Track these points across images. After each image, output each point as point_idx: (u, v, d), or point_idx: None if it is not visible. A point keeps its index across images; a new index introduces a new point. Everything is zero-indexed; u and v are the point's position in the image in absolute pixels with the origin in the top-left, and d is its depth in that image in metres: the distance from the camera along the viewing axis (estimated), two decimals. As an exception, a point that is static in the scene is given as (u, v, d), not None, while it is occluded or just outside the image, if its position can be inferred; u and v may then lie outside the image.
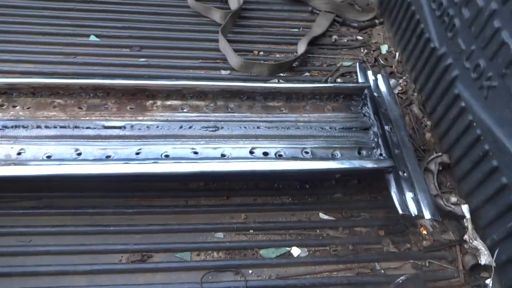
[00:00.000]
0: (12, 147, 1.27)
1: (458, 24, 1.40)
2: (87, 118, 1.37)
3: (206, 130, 1.38)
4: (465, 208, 1.34)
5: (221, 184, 1.41)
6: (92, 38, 1.80)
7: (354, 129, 1.44)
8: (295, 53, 1.85)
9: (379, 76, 1.61)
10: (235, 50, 1.75)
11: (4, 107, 1.37)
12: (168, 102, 1.45)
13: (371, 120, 1.44)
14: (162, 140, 1.34)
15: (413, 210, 1.24)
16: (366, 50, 1.93)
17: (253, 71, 1.74)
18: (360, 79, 1.59)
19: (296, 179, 1.44)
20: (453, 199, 1.37)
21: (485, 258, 1.24)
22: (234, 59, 1.74)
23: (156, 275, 1.20)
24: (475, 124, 1.31)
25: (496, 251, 1.22)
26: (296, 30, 2.00)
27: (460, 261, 1.30)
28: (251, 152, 1.34)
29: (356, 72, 1.65)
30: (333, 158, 1.36)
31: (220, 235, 1.30)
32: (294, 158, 1.34)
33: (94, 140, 1.32)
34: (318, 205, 1.40)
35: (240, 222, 1.33)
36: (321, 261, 1.27)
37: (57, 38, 1.78)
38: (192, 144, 1.34)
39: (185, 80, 1.62)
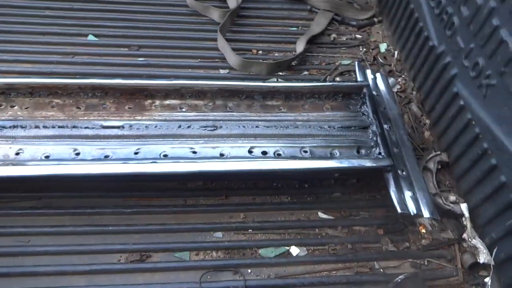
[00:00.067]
0: (10, 147, 1.27)
1: (457, 22, 1.40)
2: (86, 118, 1.37)
3: (205, 129, 1.38)
4: (464, 207, 1.34)
5: (220, 183, 1.41)
6: (91, 37, 1.80)
7: (353, 128, 1.43)
8: (293, 52, 1.84)
9: (378, 75, 1.61)
10: (234, 49, 1.75)
11: (2, 107, 1.37)
12: (167, 102, 1.45)
13: (370, 119, 1.44)
14: (161, 139, 1.34)
15: (412, 209, 1.23)
16: (365, 49, 1.93)
17: (252, 70, 1.73)
18: (359, 78, 1.59)
19: (295, 178, 1.44)
20: (452, 197, 1.37)
21: (484, 257, 1.24)
22: (232, 58, 1.74)
23: (155, 275, 1.21)
24: (474, 122, 1.31)
25: (495, 250, 1.22)
26: (295, 29, 1.99)
27: (459, 259, 1.30)
28: (250, 152, 1.34)
29: (355, 71, 1.64)
30: (332, 157, 1.36)
31: (219, 234, 1.30)
32: (293, 157, 1.34)
33: (93, 140, 1.32)
34: (317, 204, 1.40)
35: (239, 222, 1.33)
36: (320, 260, 1.27)
37: (55, 37, 1.78)
38: (190, 143, 1.34)
39: (184, 79, 1.61)
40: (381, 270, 1.27)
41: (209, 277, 1.21)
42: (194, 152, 1.31)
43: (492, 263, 1.22)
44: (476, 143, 1.30)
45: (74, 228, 1.26)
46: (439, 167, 1.47)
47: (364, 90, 1.51)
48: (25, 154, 1.27)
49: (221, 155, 1.32)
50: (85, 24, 1.84)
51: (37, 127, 1.33)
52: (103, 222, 1.29)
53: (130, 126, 1.36)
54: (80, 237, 1.25)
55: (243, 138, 1.37)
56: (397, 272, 1.25)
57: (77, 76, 1.62)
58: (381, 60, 1.86)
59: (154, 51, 1.79)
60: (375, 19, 2.05)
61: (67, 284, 1.16)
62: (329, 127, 1.43)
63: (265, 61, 1.76)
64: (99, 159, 1.27)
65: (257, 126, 1.40)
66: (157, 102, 1.44)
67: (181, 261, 1.23)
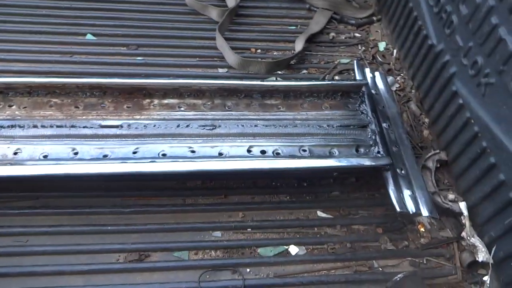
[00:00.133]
0: (8, 147, 1.27)
1: (456, 21, 1.39)
2: (84, 117, 1.37)
3: (204, 128, 1.37)
4: (462, 205, 1.34)
5: (218, 182, 1.41)
6: (89, 36, 1.80)
7: (351, 126, 1.43)
8: (292, 51, 1.84)
9: (376, 74, 1.61)
10: (233, 48, 1.75)
11: (0, 106, 1.37)
12: (165, 101, 1.44)
13: (368, 118, 1.44)
14: (159, 139, 1.34)
15: (410, 207, 1.23)
16: (364, 47, 1.92)
17: (250, 69, 1.73)
18: (358, 77, 1.59)
19: (294, 177, 1.44)
20: (451, 196, 1.37)
21: (482, 255, 1.24)
22: (231, 57, 1.73)
23: (153, 274, 1.20)
24: (472, 121, 1.31)
25: (494, 248, 1.22)
26: (294, 27, 1.99)
27: (458, 258, 1.30)
28: (249, 151, 1.33)
29: (353, 70, 1.64)
30: (330, 156, 1.35)
31: (217, 233, 1.30)
32: (292, 156, 1.34)
33: (91, 140, 1.31)
34: (316, 203, 1.40)
35: (238, 221, 1.33)
36: (319, 259, 1.27)
37: (53, 37, 1.78)
38: (189, 142, 1.34)
39: (182, 78, 1.62)
40: (380, 269, 1.27)
41: (208, 276, 1.21)
42: (193, 152, 1.31)
43: (491, 261, 1.22)
44: (475, 141, 1.30)
45: (72, 227, 1.26)
46: (438, 165, 1.47)
47: (363, 88, 1.51)
48: (23, 153, 1.26)
49: (220, 154, 1.32)
50: (83, 23, 1.84)
51: (35, 126, 1.32)
52: (101, 221, 1.28)
53: (129, 125, 1.36)
54: (79, 236, 1.25)
55: (242, 137, 1.36)
56: (396, 271, 1.25)
57: (76, 76, 1.62)
58: (380, 59, 1.86)
59: (153, 50, 1.78)
60: (374, 18, 2.05)
61: (65, 284, 1.16)
62: (328, 126, 1.43)
63: (264, 60, 1.76)
64: (97, 159, 1.27)
65: (256, 125, 1.40)
66: (156, 101, 1.44)
67: (180, 260, 1.23)
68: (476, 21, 1.28)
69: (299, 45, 1.82)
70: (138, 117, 1.39)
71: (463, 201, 1.35)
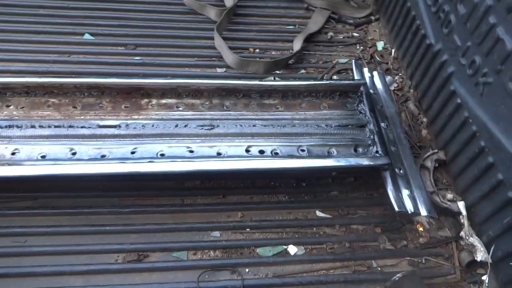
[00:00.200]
0: (6, 147, 1.27)
1: (454, 20, 1.40)
2: (82, 117, 1.37)
3: (202, 128, 1.37)
4: (461, 205, 1.34)
5: (217, 182, 1.41)
6: (87, 36, 1.79)
7: (350, 126, 1.43)
8: (291, 50, 1.84)
9: (375, 73, 1.61)
10: (231, 48, 1.75)
11: (-2, 107, 1.36)
12: (163, 101, 1.44)
13: (367, 117, 1.44)
14: (158, 139, 1.34)
15: (409, 207, 1.24)
16: (362, 47, 1.92)
17: (248, 68, 1.73)
18: (356, 76, 1.59)
19: (292, 177, 1.44)
20: (449, 195, 1.37)
21: (481, 255, 1.24)
22: (229, 57, 1.73)
23: (152, 274, 1.20)
24: (471, 120, 1.31)
25: (492, 248, 1.22)
26: (292, 27, 1.99)
27: (457, 257, 1.30)
28: (247, 151, 1.33)
29: (352, 69, 1.64)
30: (329, 155, 1.36)
31: (216, 234, 1.30)
32: (290, 156, 1.34)
33: (89, 140, 1.31)
34: (315, 203, 1.40)
35: (237, 221, 1.33)
36: (317, 259, 1.27)
37: (51, 36, 1.77)
38: (187, 142, 1.34)
39: (181, 78, 1.62)
40: (379, 269, 1.27)
41: (207, 276, 1.20)
42: (191, 152, 1.31)
43: (490, 261, 1.23)
44: (473, 141, 1.30)
45: (71, 228, 1.26)
46: (437, 165, 1.47)
47: (361, 88, 1.51)
48: (21, 154, 1.26)
49: (218, 154, 1.32)
50: (81, 22, 1.83)
51: (33, 126, 1.32)
52: (100, 222, 1.28)
53: (127, 125, 1.36)
54: (77, 237, 1.25)
55: (240, 137, 1.36)
56: (395, 271, 1.25)
57: (73, 75, 1.61)
58: (378, 58, 1.86)
59: (151, 50, 1.78)
60: (372, 17, 2.05)
61: (64, 284, 1.16)
62: (326, 125, 1.43)
63: (262, 59, 1.76)
64: (95, 159, 1.27)
65: (254, 125, 1.40)
66: (154, 101, 1.44)
67: (178, 260, 1.23)
68: (474, 20, 1.28)
69: (297, 45, 1.82)
70: (136, 117, 1.39)
71: (461, 200, 1.35)
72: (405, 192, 1.27)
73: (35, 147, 1.28)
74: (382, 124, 1.42)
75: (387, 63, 1.85)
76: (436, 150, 1.48)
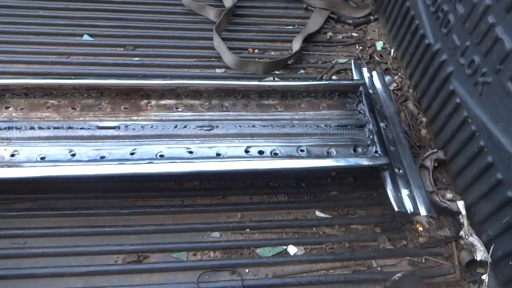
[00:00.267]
0: (5, 149, 1.27)
1: (453, 20, 1.40)
2: (81, 118, 1.37)
3: (201, 129, 1.37)
4: (460, 204, 1.34)
5: (216, 183, 1.41)
6: (86, 37, 1.79)
7: (349, 126, 1.43)
8: (290, 51, 1.84)
9: (374, 73, 1.61)
10: (230, 48, 1.75)
11: (-3, 108, 1.36)
12: (163, 102, 1.44)
13: (366, 117, 1.44)
14: (157, 140, 1.34)
15: (408, 207, 1.24)
16: (361, 47, 1.93)
17: (248, 69, 1.73)
18: (355, 76, 1.59)
19: (292, 178, 1.44)
20: (449, 195, 1.37)
21: (481, 254, 1.24)
22: (228, 57, 1.73)
23: (152, 275, 1.20)
24: (470, 120, 1.31)
25: (492, 247, 1.23)
26: (291, 27, 1.99)
27: (456, 257, 1.30)
28: (247, 151, 1.33)
29: (351, 69, 1.64)
30: (328, 156, 1.36)
31: (216, 234, 1.30)
32: (290, 156, 1.34)
33: (88, 141, 1.31)
34: (314, 203, 1.40)
35: (236, 221, 1.33)
36: (317, 259, 1.27)
37: (50, 38, 1.77)
38: (187, 143, 1.34)
39: (180, 79, 1.62)
40: (379, 268, 1.27)
41: (206, 277, 1.20)
42: (191, 152, 1.31)
43: (489, 260, 1.23)
44: (472, 140, 1.30)
45: (70, 229, 1.26)
46: (436, 165, 1.47)
47: (361, 88, 1.51)
48: (21, 155, 1.26)
49: (218, 155, 1.32)
50: (80, 24, 1.83)
51: (32, 128, 1.32)
52: (99, 223, 1.28)
53: (126, 126, 1.36)
54: (77, 238, 1.25)
55: (240, 138, 1.36)
56: (395, 270, 1.25)
57: (72, 77, 1.61)
58: (377, 58, 1.86)
59: (150, 51, 1.78)
60: (371, 17, 2.05)
61: (64, 286, 1.16)
62: (325, 125, 1.43)
63: (261, 60, 1.76)
64: (95, 160, 1.27)
65: (253, 126, 1.40)
66: (153, 102, 1.44)
67: (178, 261, 1.23)
68: (472, 20, 1.28)
69: (296, 45, 1.82)
70: (135, 118, 1.39)
71: (461, 200, 1.36)
72: (404, 192, 1.27)
73: (34, 149, 1.28)
74: (382, 124, 1.42)
75: (386, 63, 1.85)
76: (435, 150, 1.48)
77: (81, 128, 1.34)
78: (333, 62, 1.83)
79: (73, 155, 1.28)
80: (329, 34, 1.96)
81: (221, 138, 1.36)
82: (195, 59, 1.78)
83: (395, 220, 1.37)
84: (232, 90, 1.47)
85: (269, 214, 1.36)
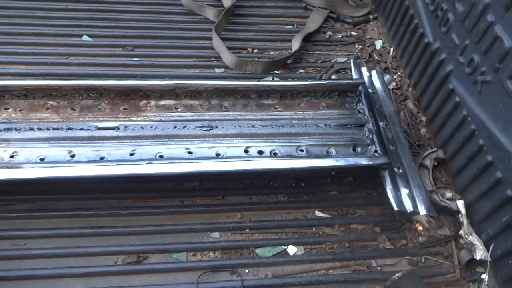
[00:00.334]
0: (5, 150, 1.27)
1: (452, 19, 1.39)
2: (80, 119, 1.37)
3: (200, 129, 1.37)
4: (460, 203, 1.34)
5: (216, 183, 1.41)
6: (85, 38, 1.79)
7: (349, 126, 1.43)
8: (289, 50, 1.84)
9: (373, 72, 1.61)
10: (229, 48, 1.75)
11: (-4, 109, 1.36)
12: (162, 102, 1.44)
13: (365, 117, 1.44)
14: (156, 140, 1.34)
15: (408, 206, 1.23)
16: (360, 46, 1.92)
17: (247, 68, 1.73)
18: (355, 76, 1.59)
19: (291, 177, 1.44)
20: (449, 194, 1.37)
21: (480, 253, 1.24)
22: (228, 57, 1.73)
23: (152, 276, 1.20)
24: (469, 119, 1.31)
25: (492, 246, 1.22)
26: (290, 26, 1.99)
27: (456, 256, 1.30)
28: (246, 151, 1.33)
29: (350, 68, 1.64)
30: (328, 155, 1.35)
31: (216, 234, 1.30)
32: (289, 156, 1.34)
33: (88, 142, 1.31)
34: (314, 203, 1.40)
35: (236, 222, 1.33)
36: (317, 259, 1.27)
37: (49, 38, 1.77)
38: (186, 144, 1.34)
39: (179, 79, 1.61)
40: (378, 268, 1.27)
41: (206, 277, 1.20)
42: (190, 153, 1.31)
43: (489, 259, 1.22)
44: (472, 139, 1.30)
45: (70, 230, 1.26)
46: (436, 164, 1.47)
47: (360, 87, 1.51)
48: (20, 156, 1.26)
49: (217, 155, 1.32)
50: (79, 24, 1.84)
51: (31, 129, 1.32)
52: (99, 224, 1.28)
53: (125, 127, 1.36)
54: (77, 239, 1.25)
55: (239, 138, 1.36)
56: (394, 270, 1.25)
57: (72, 78, 1.62)
58: (376, 57, 1.86)
59: (149, 51, 1.78)
60: (371, 16, 2.05)
61: (64, 287, 1.16)
62: (325, 125, 1.43)
63: (260, 59, 1.76)
64: (94, 161, 1.27)
65: (253, 126, 1.40)
66: (152, 102, 1.44)
67: (178, 262, 1.23)
68: (472, 19, 1.28)
69: (295, 45, 1.82)
70: (134, 118, 1.39)
71: (460, 199, 1.35)
72: (404, 191, 1.27)
73: (33, 150, 1.28)
74: (381, 123, 1.42)
75: (385, 62, 1.85)
76: (435, 149, 1.48)
77: (80, 129, 1.34)
78: (333, 61, 1.83)
79: (73, 156, 1.28)
80: (329, 33, 1.96)
81: (220, 138, 1.36)
82: (194, 59, 1.78)
83: (394, 219, 1.37)
84: (232, 90, 1.47)
85: (268, 214, 1.36)
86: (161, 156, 1.29)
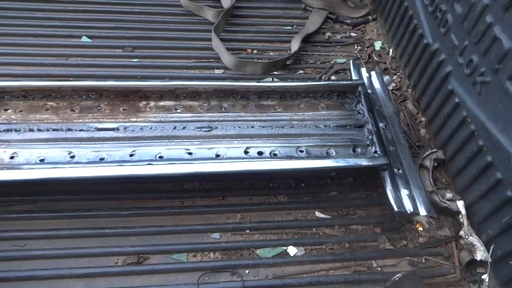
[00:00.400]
0: (4, 151, 1.27)
1: (451, 20, 1.40)
2: (80, 120, 1.37)
3: (200, 130, 1.37)
4: (460, 204, 1.34)
5: (216, 184, 1.41)
6: (84, 39, 1.79)
7: (348, 127, 1.43)
8: (288, 51, 1.84)
9: (373, 73, 1.61)
10: (229, 49, 1.75)
11: (-4, 110, 1.36)
12: (162, 103, 1.44)
13: (365, 118, 1.44)
14: (156, 141, 1.34)
15: (408, 207, 1.24)
16: (359, 47, 1.93)
17: (246, 69, 1.73)
18: (354, 76, 1.59)
19: (291, 178, 1.44)
20: (448, 195, 1.37)
21: (481, 254, 1.24)
22: (227, 58, 1.73)
23: (152, 277, 1.20)
24: (469, 119, 1.31)
25: (492, 247, 1.22)
26: (290, 27, 1.99)
27: (456, 257, 1.30)
28: (246, 152, 1.33)
29: (350, 69, 1.64)
30: (328, 156, 1.35)
31: (216, 235, 1.30)
32: (289, 157, 1.34)
33: (88, 143, 1.31)
34: (314, 203, 1.40)
35: (236, 222, 1.33)
36: (317, 259, 1.27)
37: (48, 39, 1.77)
38: (186, 144, 1.34)
39: (179, 80, 1.61)
40: (379, 269, 1.27)
41: (207, 278, 1.20)
42: (190, 153, 1.31)
43: (489, 260, 1.23)
44: (471, 140, 1.30)
45: (70, 231, 1.26)
46: (435, 164, 1.47)
47: (359, 88, 1.51)
48: (20, 157, 1.26)
49: (217, 156, 1.32)
50: (78, 25, 1.83)
51: (31, 130, 1.32)
52: (99, 224, 1.28)
53: (125, 128, 1.36)
54: (77, 240, 1.25)
55: (239, 139, 1.36)
56: (395, 271, 1.25)
57: (71, 78, 1.61)
58: (376, 58, 1.86)
59: (149, 52, 1.78)
60: (370, 17, 2.05)
61: (64, 288, 1.16)
62: (324, 126, 1.43)
63: (260, 60, 1.76)
64: (94, 162, 1.27)
65: (252, 126, 1.40)
66: (152, 103, 1.44)
67: (178, 262, 1.23)
68: (471, 19, 1.28)
69: (295, 45, 1.82)
70: (134, 119, 1.39)
71: (460, 199, 1.36)
72: (404, 192, 1.27)
73: (33, 151, 1.28)
74: (381, 124, 1.42)
75: (385, 63, 1.85)
76: (435, 150, 1.48)
77: (80, 130, 1.34)
78: (332, 62, 1.83)
79: (73, 157, 1.27)
80: (328, 34, 1.96)
81: (220, 139, 1.36)
82: (193, 60, 1.78)
83: (395, 220, 1.37)
84: (231, 91, 1.47)
85: (269, 215, 1.36)
86: (161, 157, 1.29)
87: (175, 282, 1.19)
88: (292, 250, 1.28)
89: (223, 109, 1.45)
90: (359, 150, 1.38)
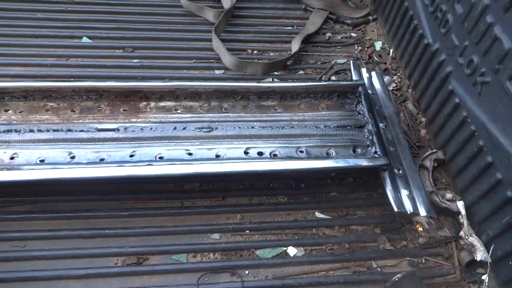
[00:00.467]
0: (5, 152, 1.27)
1: (451, 20, 1.40)
2: (80, 121, 1.37)
3: (200, 131, 1.37)
4: (460, 205, 1.34)
5: (216, 185, 1.41)
6: (85, 39, 1.79)
7: (348, 127, 1.43)
8: (289, 52, 1.84)
9: (373, 73, 1.61)
10: (229, 49, 1.75)
11: (-4, 111, 1.36)
12: (162, 104, 1.44)
13: (365, 118, 1.44)
14: (156, 142, 1.34)
15: (408, 207, 1.23)
16: (360, 47, 1.93)
17: (247, 70, 1.73)
18: (354, 77, 1.59)
19: (291, 179, 1.44)
20: (449, 195, 1.37)
21: (480, 254, 1.24)
22: (227, 59, 1.73)
23: (152, 277, 1.20)
24: (469, 120, 1.31)
25: (492, 247, 1.22)
26: (290, 28, 1.99)
27: (456, 257, 1.30)
28: (246, 153, 1.33)
29: (350, 70, 1.64)
30: (328, 156, 1.35)
31: (216, 236, 1.30)
32: (289, 157, 1.34)
33: (88, 143, 1.31)
34: (314, 204, 1.40)
35: (236, 223, 1.33)
36: (317, 260, 1.27)
37: (49, 40, 1.77)
38: (186, 145, 1.34)
39: (179, 80, 1.61)
40: (379, 269, 1.27)
41: (206, 279, 1.20)
42: (190, 154, 1.31)
43: (489, 260, 1.22)
44: (471, 140, 1.30)
45: (70, 232, 1.26)
46: (436, 165, 1.47)
47: (360, 89, 1.51)
48: (20, 158, 1.26)
49: (217, 156, 1.32)
50: (78, 26, 1.84)
51: (31, 131, 1.32)
52: (99, 225, 1.28)
53: (125, 128, 1.36)
54: (76, 240, 1.25)
55: (239, 139, 1.36)
56: (395, 271, 1.25)
57: (71, 79, 1.62)
58: (376, 59, 1.86)
59: (149, 53, 1.78)
60: (370, 17, 2.05)
61: (64, 288, 1.16)
62: (324, 126, 1.43)
63: (260, 61, 1.76)
64: (94, 162, 1.27)
65: (252, 127, 1.40)
66: (152, 104, 1.44)
67: (178, 263, 1.23)
68: (471, 20, 1.28)
69: (295, 46, 1.82)
70: (134, 120, 1.39)
71: (460, 200, 1.35)
72: (404, 192, 1.27)
73: (33, 152, 1.28)
74: (381, 125, 1.42)
75: (385, 63, 1.85)
76: (435, 150, 1.48)
77: (80, 131, 1.34)
78: (332, 62, 1.83)
79: (73, 157, 1.27)
80: (328, 34, 1.96)
81: (220, 140, 1.36)
82: (194, 60, 1.78)
83: (395, 220, 1.37)
84: (231, 91, 1.47)
85: (268, 215, 1.36)
86: (161, 158, 1.29)
87: (175, 283, 1.19)
88: (292, 251, 1.28)
89: (223, 110, 1.45)
90: (359, 150, 1.38)
